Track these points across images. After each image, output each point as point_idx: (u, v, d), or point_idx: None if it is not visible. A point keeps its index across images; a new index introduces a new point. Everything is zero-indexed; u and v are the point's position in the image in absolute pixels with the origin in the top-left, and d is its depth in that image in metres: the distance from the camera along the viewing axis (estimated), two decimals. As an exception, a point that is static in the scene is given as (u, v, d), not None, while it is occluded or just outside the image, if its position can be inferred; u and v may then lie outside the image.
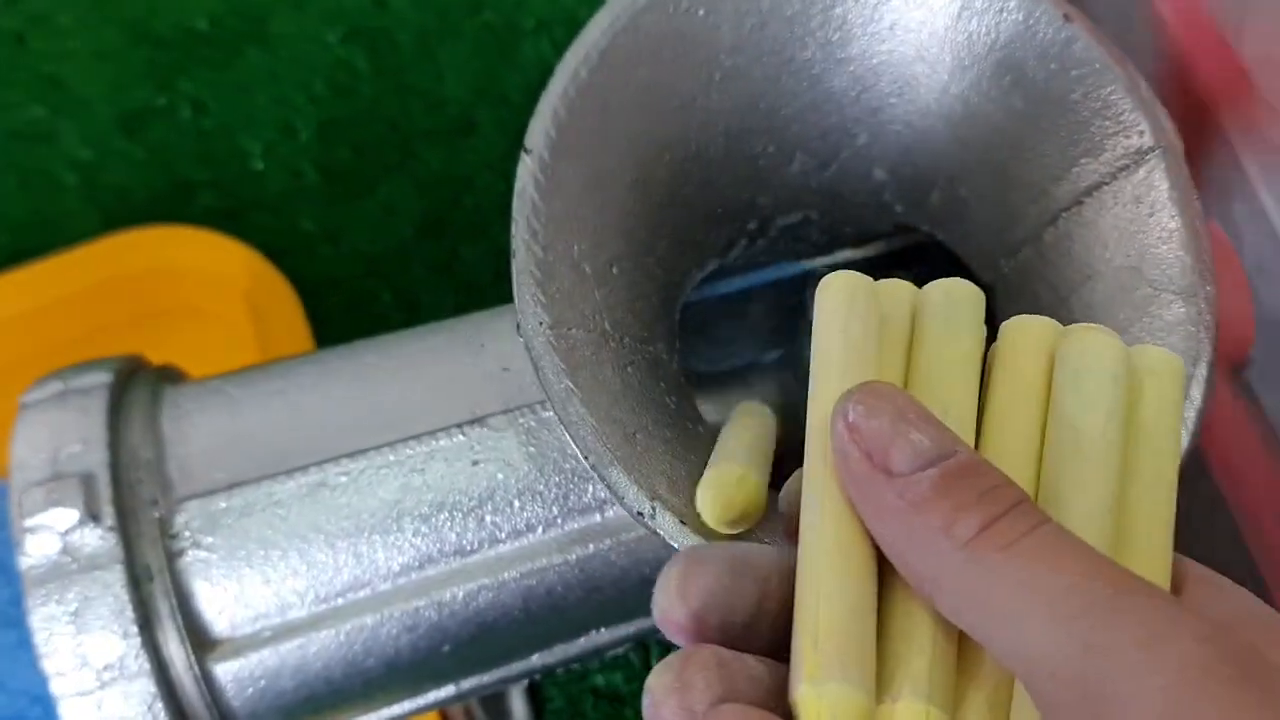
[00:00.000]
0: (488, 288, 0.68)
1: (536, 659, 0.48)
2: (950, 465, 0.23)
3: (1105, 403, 0.25)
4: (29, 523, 0.41)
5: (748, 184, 0.48)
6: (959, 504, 0.23)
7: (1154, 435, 0.25)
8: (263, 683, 0.44)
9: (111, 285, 0.64)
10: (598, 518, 0.45)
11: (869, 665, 0.24)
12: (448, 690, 0.48)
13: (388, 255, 0.68)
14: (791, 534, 0.26)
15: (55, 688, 0.41)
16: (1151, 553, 0.25)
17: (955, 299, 0.26)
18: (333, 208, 0.69)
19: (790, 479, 0.28)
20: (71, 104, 0.72)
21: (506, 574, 0.45)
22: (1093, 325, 0.26)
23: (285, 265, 0.66)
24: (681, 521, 0.37)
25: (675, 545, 0.37)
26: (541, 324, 0.39)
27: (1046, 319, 0.26)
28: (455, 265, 0.68)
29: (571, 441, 0.37)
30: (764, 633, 0.25)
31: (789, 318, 0.53)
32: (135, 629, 0.42)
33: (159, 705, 0.42)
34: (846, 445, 0.24)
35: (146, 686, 0.42)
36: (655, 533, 0.37)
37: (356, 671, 0.45)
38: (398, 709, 0.47)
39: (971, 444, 0.25)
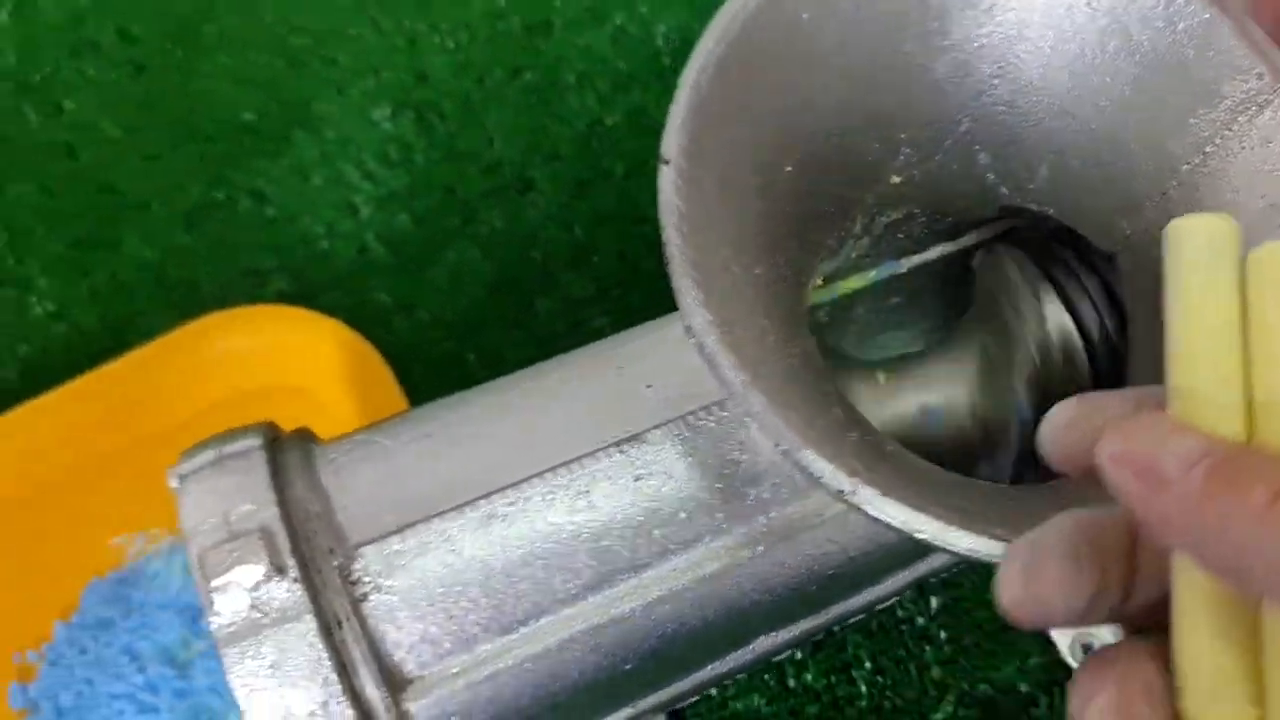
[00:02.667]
0: (564, 336, 0.69)
1: (709, 670, 0.48)
2: (1217, 454, 0.24)
3: None
4: (216, 583, 0.42)
5: (857, 183, 0.49)
6: (1237, 483, 0.23)
7: None
8: (456, 719, 0.44)
9: (208, 367, 0.64)
10: (763, 520, 0.46)
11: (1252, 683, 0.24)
12: (625, 712, 0.48)
13: (464, 317, 0.69)
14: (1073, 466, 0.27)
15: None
16: None
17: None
18: (403, 278, 0.70)
19: (1056, 410, 0.29)
20: (129, 208, 0.73)
21: (680, 585, 0.45)
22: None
23: (366, 338, 0.66)
24: (882, 494, 0.37)
25: (879, 517, 0.37)
26: (710, 322, 0.39)
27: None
28: (531, 319, 0.69)
29: (760, 432, 0.38)
30: (1104, 608, 0.26)
31: (889, 315, 0.55)
32: (334, 675, 0.42)
33: (364, 749, 0.42)
34: (1119, 477, 0.25)
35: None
36: (859, 509, 0.37)
37: (545, 695, 0.45)
38: (579, 736, 0.47)
39: None
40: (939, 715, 0.60)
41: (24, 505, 0.65)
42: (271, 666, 0.42)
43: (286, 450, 0.47)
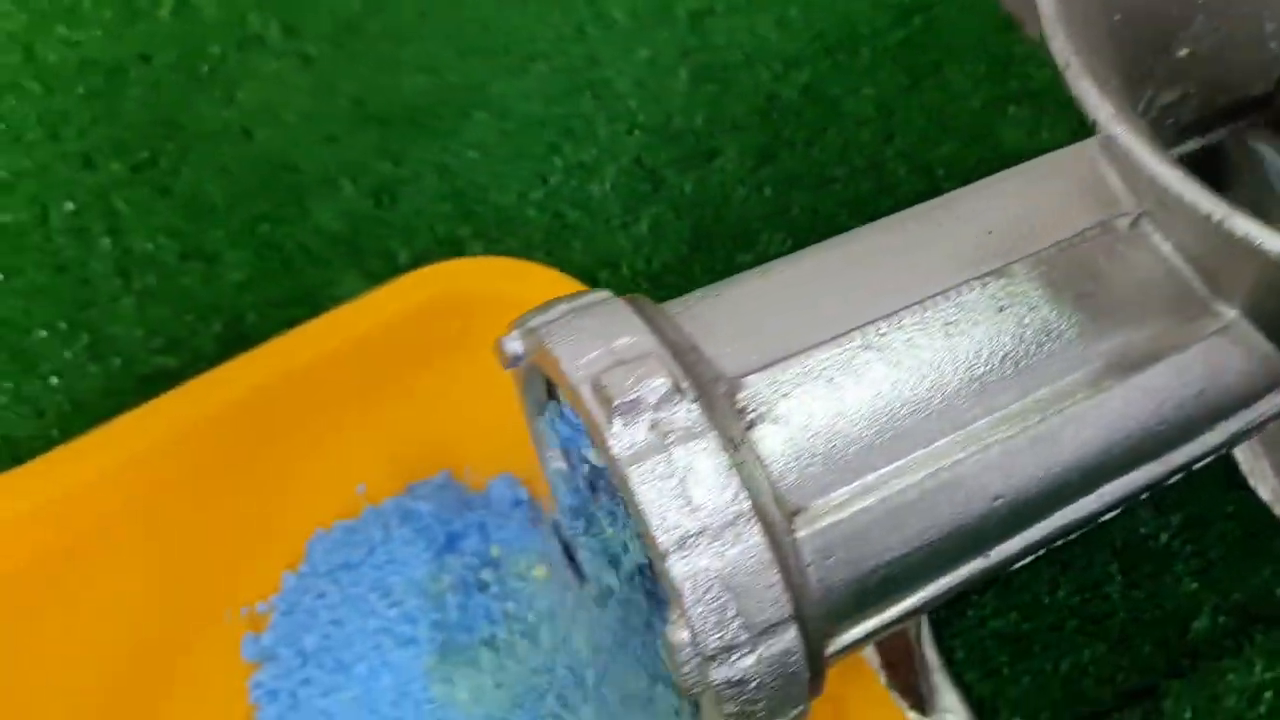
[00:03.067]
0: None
1: (1055, 519, 0.48)
2: None
3: None
4: (619, 401, 0.41)
5: (1152, 49, 0.51)
6: None
7: None
8: (841, 552, 0.44)
9: (426, 317, 0.64)
10: (1121, 351, 0.46)
11: None
12: (979, 562, 0.47)
13: (666, 271, 0.70)
14: None
15: (671, 558, 0.40)
16: None
17: None
18: (601, 239, 0.71)
19: None
20: (313, 185, 0.73)
21: (1048, 415, 0.46)
22: None
23: (574, 292, 0.66)
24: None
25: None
26: (1114, 114, 0.41)
27: None
28: (733, 272, 0.69)
29: (1192, 206, 0.39)
30: None
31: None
32: (743, 494, 0.41)
33: (774, 568, 0.41)
34: None
35: (761, 547, 0.41)
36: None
37: (919, 532, 0.45)
38: (933, 588, 0.47)
39: None
40: (1199, 623, 0.60)
41: (232, 465, 0.63)
42: (680, 484, 0.41)
43: (635, 302, 0.47)
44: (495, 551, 0.60)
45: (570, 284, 0.65)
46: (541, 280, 0.66)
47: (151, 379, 0.66)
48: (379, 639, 0.58)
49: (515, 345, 0.48)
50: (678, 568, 0.41)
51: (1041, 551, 0.50)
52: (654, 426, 0.42)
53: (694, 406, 0.42)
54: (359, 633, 0.58)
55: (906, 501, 0.44)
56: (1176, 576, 0.61)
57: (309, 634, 0.58)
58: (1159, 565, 0.61)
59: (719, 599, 0.41)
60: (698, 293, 0.48)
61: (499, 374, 0.66)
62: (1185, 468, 0.49)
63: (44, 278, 0.69)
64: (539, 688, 0.57)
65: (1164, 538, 0.62)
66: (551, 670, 0.57)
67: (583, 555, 0.46)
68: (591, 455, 0.45)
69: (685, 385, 0.42)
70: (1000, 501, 0.46)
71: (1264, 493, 0.62)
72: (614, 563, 0.46)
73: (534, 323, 0.47)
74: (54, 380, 0.66)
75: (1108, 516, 0.50)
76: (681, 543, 0.41)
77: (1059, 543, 0.50)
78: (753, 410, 0.44)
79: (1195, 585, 0.61)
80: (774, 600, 0.41)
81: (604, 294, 0.47)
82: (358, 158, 0.74)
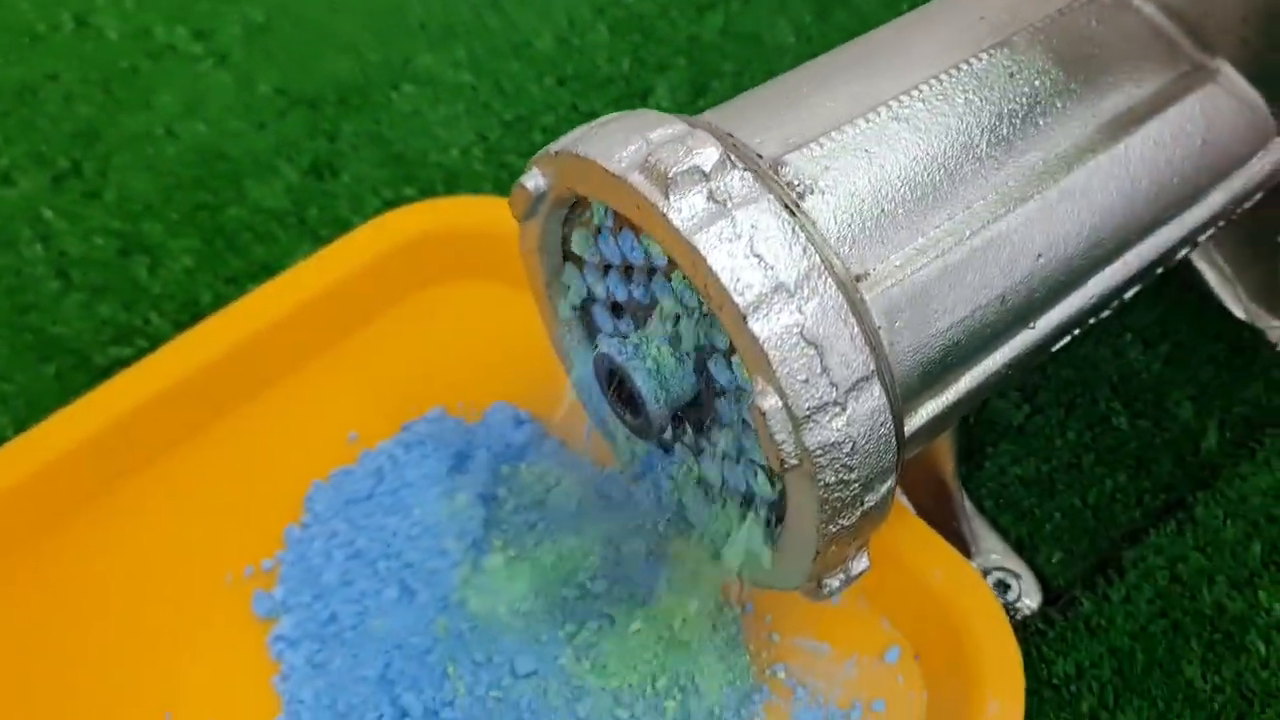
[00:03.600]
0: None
1: (1093, 285, 0.49)
2: None
3: None
4: (674, 172, 0.41)
5: None
6: None
7: None
8: (905, 314, 0.44)
9: (393, 262, 0.63)
10: (1126, 106, 0.48)
11: None
12: (1027, 334, 0.48)
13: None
14: None
15: (751, 319, 0.39)
16: None
17: None
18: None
19: None
20: (248, 168, 0.72)
21: (1071, 171, 0.47)
22: None
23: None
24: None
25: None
26: None
27: None
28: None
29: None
30: None
31: None
32: (811, 248, 0.41)
33: (853, 319, 0.41)
34: None
35: (838, 298, 0.41)
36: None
37: (971, 296, 0.45)
38: (988, 364, 0.47)
39: None
40: (1208, 441, 0.61)
41: (216, 424, 0.61)
42: (748, 244, 0.40)
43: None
44: (506, 470, 0.58)
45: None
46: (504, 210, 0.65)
47: (109, 371, 0.63)
48: (406, 560, 0.55)
49: (535, 180, 0.47)
50: (759, 328, 0.40)
51: (1076, 332, 0.50)
52: (711, 195, 0.41)
53: (746, 174, 0.42)
54: (382, 558, 0.55)
55: (959, 260, 0.45)
56: (1176, 401, 0.62)
57: (326, 573, 0.55)
58: (1157, 394, 0.62)
59: (805, 355, 0.40)
60: (715, 107, 0.48)
61: (480, 308, 0.65)
62: (1195, 236, 0.51)
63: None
64: (572, 584, 0.55)
65: (1156, 367, 0.63)
66: (575, 575, 0.55)
67: (637, 381, 0.45)
68: (640, 255, 0.44)
69: (732, 159, 0.42)
70: (1043, 260, 0.46)
71: (1239, 313, 0.64)
72: (664, 386, 0.45)
73: (556, 147, 0.46)
74: (5, 386, 0.62)
75: (1129, 293, 0.51)
76: (759, 302, 0.40)
77: (1091, 321, 0.50)
78: (798, 184, 0.44)
79: (1195, 407, 0.62)
80: (858, 351, 0.41)
81: (617, 114, 0.46)
82: (290, 139, 0.72)
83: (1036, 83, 0.47)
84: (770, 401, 0.40)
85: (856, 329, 0.41)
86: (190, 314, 0.66)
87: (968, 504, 0.59)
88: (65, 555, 0.56)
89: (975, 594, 0.52)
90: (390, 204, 0.70)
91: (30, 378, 0.63)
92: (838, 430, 0.41)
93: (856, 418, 0.41)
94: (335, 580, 0.55)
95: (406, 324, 0.64)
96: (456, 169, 0.71)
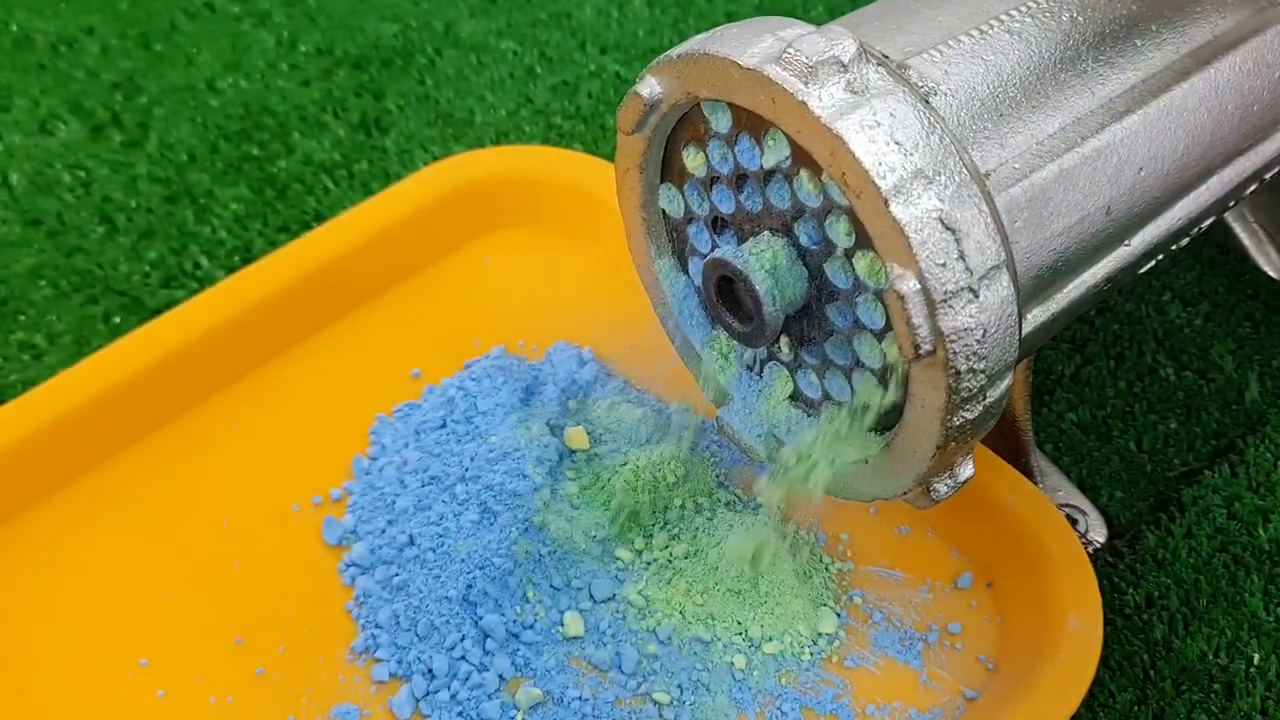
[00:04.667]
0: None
1: (1180, 208, 0.50)
2: None
3: None
4: (815, 62, 0.42)
5: None
6: None
7: None
8: (1025, 214, 0.45)
9: (453, 206, 0.64)
10: (1212, 34, 0.50)
11: None
12: (1123, 250, 0.49)
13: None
14: None
15: (893, 203, 0.40)
16: None
17: None
18: (599, 140, 0.71)
19: None
20: (294, 122, 0.72)
21: (1169, 88, 0.49)
22: None
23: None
24: None
25: None
26: None
27: None
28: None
29: None
30: None
31: None
32: (948, 139, 0.42)
33: (987, 208, 0.42)
34: None
35: (974, 186, 0.42)
36: None
37: (1082, 201, 0.46)
38: (1088, 275, 0.48)
39: None
40: (1251, 391, 0.63)
41: (278, 358, 0.60)
42: (889, 131, 0.42)
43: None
44: (574, 404, 0.59)
45: (603, 164, 0.65)
46: (570, 161, 0.66)
47: (158, 313, 0.62)
48: (486, 483, 0.54)
49: (651, 87, 0.48)
50: (900, 211, 0.41)
51: (1161, 257, 0.52)
52: (849, 86, 0.42)
53: (880, 70, 0.43)
54: (459, 481, 0.55)
55: (1072, 166, 0.46)
56: (1219, 355, 0.64)
57: (401, 499, 0.55)
58: (1200, 348, 0.64)
59: (944, 239, 0.41)
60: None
61: (537, 255, 0.65)
62: (1266, 170, 0.53)
63: (16, 232, 0.64)
64: (647, 511, 0.55)
65: (1198, 323, 0.65)
66: (649, 502, 0.55)
67: (755, 282, 0.46)
68: (756, 161, 0.45)
69: (863, 55, 0.43)
70: (1143, 173, 0.48)
71: (1272, 271, 0.67)
72: (780, 287, 0.46)
73: (677, 51, 0.47)
74: (55, 324, 0.61)
75: (1206, 223, 0.53)
76: (900, 186, 0.41)
77: (1173, 247, 0.52)
78: (922, 85, 0.45)
79: (1235, 360, 0.64)
80: (991, 239, 0.42)
81: (735, 22, 0.47)
82: (337, 96, 0.72)
83: (1134, 6, 0.49)
84: (909, 285, 0.41)
85: (990, 218, 0.42)
86: (242, 259, 0.65)
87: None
88: (126, 486, 0.55)
89: (1046, 516, 0.53)
90: (439, 159, 0.70)
91: (78, 318, 0.62)
92: (971, 316, 0.41)
93: (988, 305, 0.42)
94: (410, 505, 0.55)
95: (466, 267, 0.64)
96: (505, 128, 0.72)
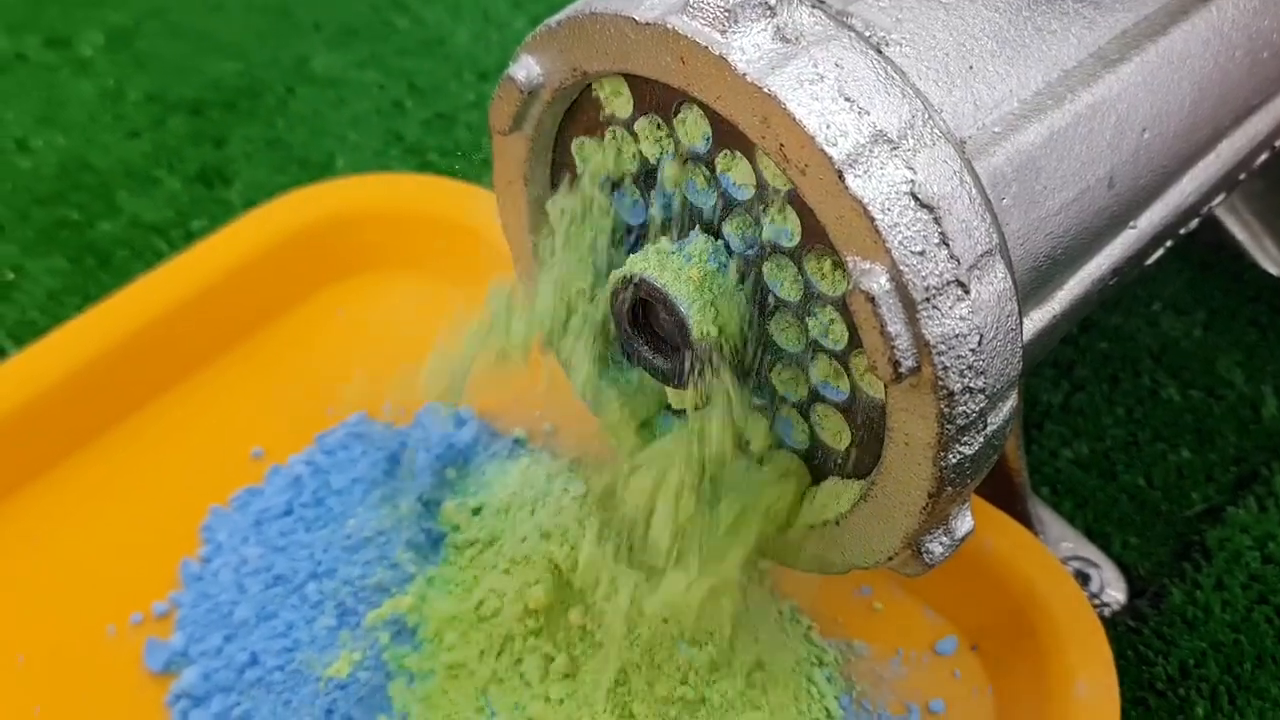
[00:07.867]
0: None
1: (1188, 180, 0.41)
2: None
3: None
4: (729, 6, 0.32)
5: None
6: None
7: None
8: (1014, 188, 0.35)
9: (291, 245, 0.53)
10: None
11: None
12: (1128, 234, 0.40)
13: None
14: None
15: (848, 176, 0.30)
16: None
17: None
18: (477, 174, 0.61)
19: None
20: (119, 179, 0.61)
21: (1168, 31, 0.39)
22: None
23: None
24: None
25: None
26: None
27: None
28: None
29: None
30: None
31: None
32: (910, 90, 0.32)
33: (970, 178, 0.32)
34: None
35: (952, 152, 0.32)
36: None
37: (1079, 171, 0.37)
38: (1090, 268, 0.39)
39: None
40: (1267, 407, 0.54)
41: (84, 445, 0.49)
42: (835, 85, 0.32)
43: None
44: (452, 473, 0.48)
45: (472, 189, 0.55)
46: (431, 189, 0.55)
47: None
48: (345, 578, 0.43)
49: (528, 69, 0.38)
50: (860, 186, 0.31)
51: (1169, 243, 0.43)
52: (778, 33, 0.32)
53: (817, 13, 0.33)
54: (311, 579, 0.44)
55: (1064, 126, 0.37)
56: (1226, 367, 0.55)
57: (239, 609, 0.44)
58: (1204, 362, 0.55)
59: (918, 220, 0.31)
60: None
61: (397, 301, 0.54)
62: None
63: None
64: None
65: (1197, 334, 0.56)
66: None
67: (680, 304, 0.35)
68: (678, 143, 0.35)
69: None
70: (1148, 135, 0.39)
71: (1272, 268, 0.58)
72: (714, 305, 0.36)
73: (556, 19, 0.37)
74: None
75: (1215, 201, 0.44)
76: (857, 154, 0.31)
77: (1181, 232, 0.43)
78: (870, 34, 0.35)
79: (1246, 373, 0.55)
80: (980, 217, 0.32)
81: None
82: (170, 147, 0.62)
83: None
84: (878, 282, 0.31)
85: (975, 189, 0.32)
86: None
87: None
88: None
89: (1033, 557, 0.43)
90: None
91: None
92: (962, 318, 0.31)
93: (982, 303, 0.32)
94: (252, 614, 0.44)
95: (314, 321, 0.53)
96: (371, 170, 0.61)
